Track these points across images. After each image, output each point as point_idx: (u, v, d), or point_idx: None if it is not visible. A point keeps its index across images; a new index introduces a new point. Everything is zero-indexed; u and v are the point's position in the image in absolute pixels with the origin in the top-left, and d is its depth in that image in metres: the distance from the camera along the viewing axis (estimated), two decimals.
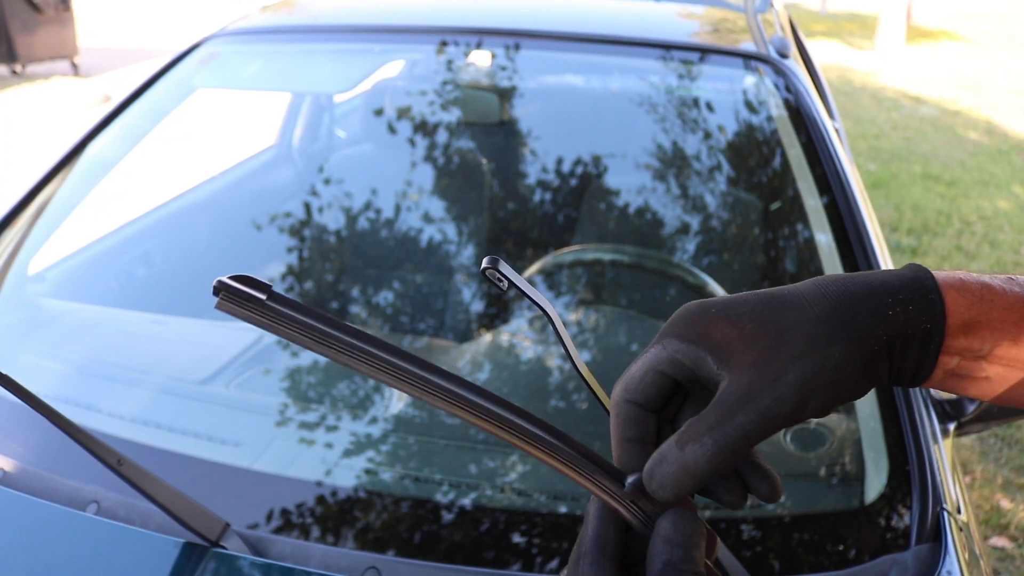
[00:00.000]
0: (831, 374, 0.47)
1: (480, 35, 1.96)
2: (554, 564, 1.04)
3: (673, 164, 2.14)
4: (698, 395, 0.52)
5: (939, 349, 0.49)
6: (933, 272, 0.50)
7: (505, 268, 0.56)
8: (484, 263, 0.55)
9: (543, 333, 1.55)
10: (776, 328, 0.47)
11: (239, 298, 0.45)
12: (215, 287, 0.45)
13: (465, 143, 2.25)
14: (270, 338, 1.61)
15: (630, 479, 0.50)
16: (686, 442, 0.47)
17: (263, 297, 0.46)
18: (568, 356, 0.59)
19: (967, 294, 0.49)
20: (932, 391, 1.30)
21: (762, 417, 0.46)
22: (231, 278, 0.45)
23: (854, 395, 0.49)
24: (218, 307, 0.46)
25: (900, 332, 0.48)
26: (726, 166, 2.13)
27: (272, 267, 2.04)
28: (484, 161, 2.21)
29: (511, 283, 0.56)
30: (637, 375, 0.51)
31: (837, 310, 0.48)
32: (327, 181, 2.42)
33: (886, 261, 1.43)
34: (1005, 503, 2.87)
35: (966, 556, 1.04)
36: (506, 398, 0.49)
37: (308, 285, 2.04)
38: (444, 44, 1.99)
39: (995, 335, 0.49)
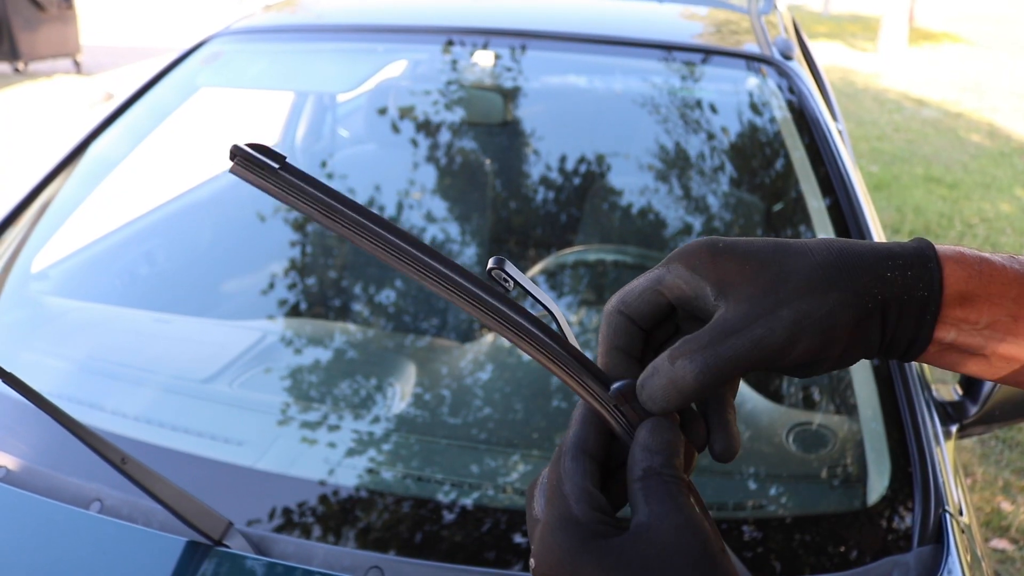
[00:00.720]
0: (824, 318, 0.48)
1: (483, 35, 1.97)
2: None
3: (676, 165, 2.14)
4: (689, 326, 0.53)
5: (935, 319, 0.49)
6: (935, 245, 0.51)
7: (511, 268, 0.56)
8: (490, 264, 0.55)
9: None
10: (778, 269, 0.49)
11: (253, 164, 0.46)
12: (231, 152, 0.46)
13: (468, 143, 2.25)
14: (273, 337, 1.61)
15: (616, 385, 0.51)
16: (677, 357, 0.48)
17: (276, 166, 0.46)
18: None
19: (966, 266, 0.49)
20: (935, 394, 1.31)
21: (753, 344, 0.47)
22: (247, 145, 0.46)
23: (843, 354, 0.50)
24: (232, 171, 0.46)
25: (896, 295, 0.49)
26: (729, 167, 2.13)
27: (275, 265, 2.05)
28: (487, 161, 2.21)
29: (517, 284, 0.56)
30: (636, 290, 0.52)
31: (838, 262, 0.49)
32: (330, 179, 2.42)
33: None
34: (1006, 505, 2.87)
35: (968, 558, 1.04)
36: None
37: (311, 282, 2.04)
38: (447, 44, 1.99)
39: (993, 309, 0.49)
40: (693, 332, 0.50)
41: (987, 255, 0.50)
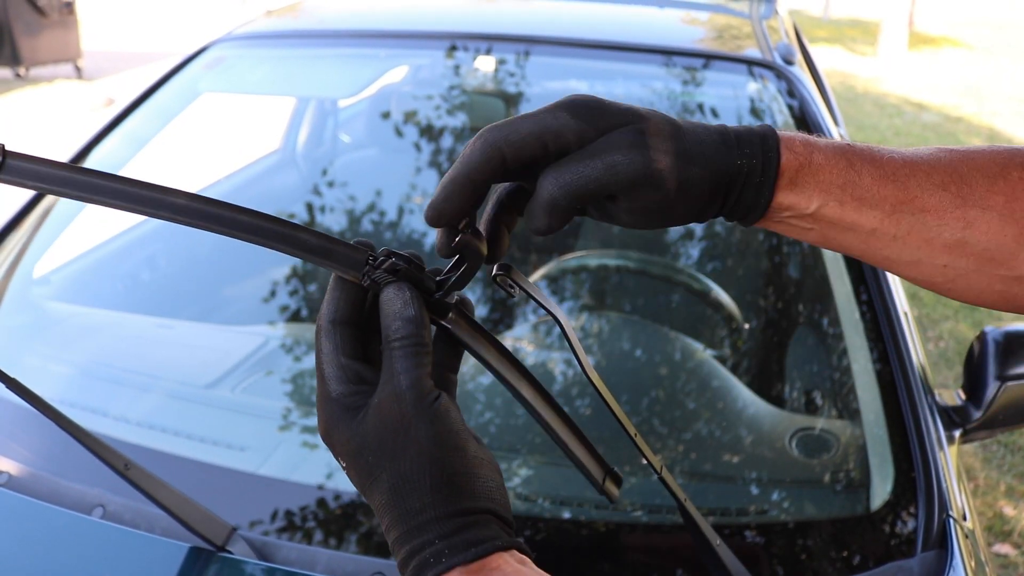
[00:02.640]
0: (678, 181, 0.53)
1: (485, 41, 1.97)
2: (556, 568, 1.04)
3: None
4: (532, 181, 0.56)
5: (769, 201, 0.56)
6: (780, 133, 0.57)
7: (516, 275, 0.56)
8: (495, 269, 0.55)
9: (548, 338, 1.55)
10: (651, 128, 0.54)
11: None
12: None
13: None
14: (275, 342, 1.61)
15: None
16: (584, 158, 0.52)
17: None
18: (578, 362, 0.59)
19: (798, 155, 0.56)
20: (938, 398, 1.30)
21: (607, 167, 0.52)
22: None
23: (679, 216, 0.56)
24: None
25: (738, 182, 0.55)
26: None
27: (277, 270, 2.05)
28: None
29: (522, 288, 0.56)
30: (522, 130, 0.53)
31: (703, 146, 0.54)
32: (331, 184, 2.43)
33: None
34: (1008, 510, 2.86)
35: (972, 563, 1.04)
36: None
37: (312, 287, 2.04)
38: (448, 49, 2.00)
39: (821, 195, 0.56)
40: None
41: (819, 144, 0.57)
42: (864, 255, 0.59)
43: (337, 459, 0.52)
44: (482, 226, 0.57)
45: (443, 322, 0.56)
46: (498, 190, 0.58)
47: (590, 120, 0.53)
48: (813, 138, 0.57)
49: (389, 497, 0.49)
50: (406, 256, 0.54)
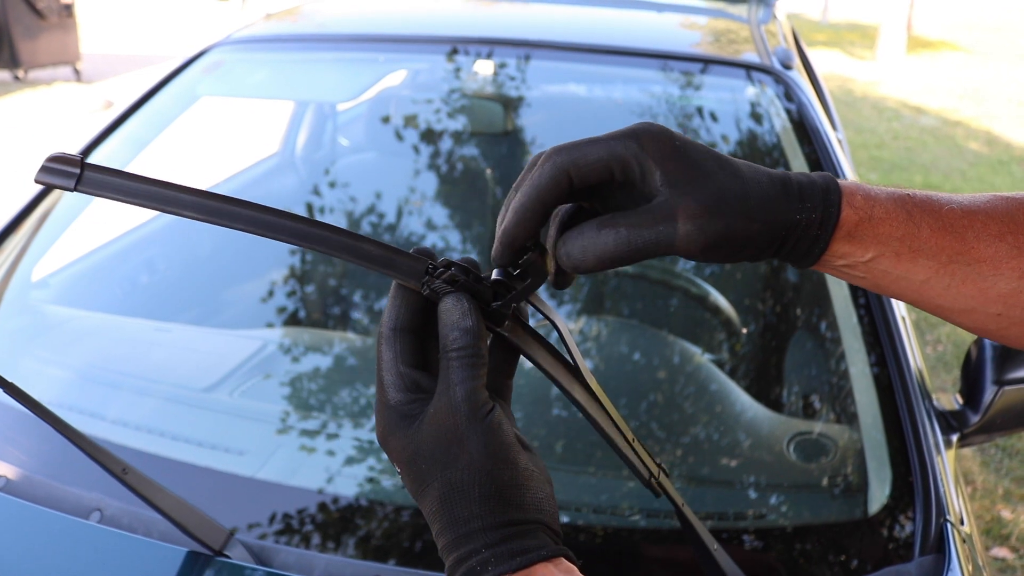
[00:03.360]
0: (739, 240, 0.54)
1: (483, 45, 1.97)
2: None
3: None
4: (616, 200, 0.56)
5: (824, 250, 0.56)
6: (841, 184, 0.57)
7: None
8: (495, 275, 0.55)
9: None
10: (719, 186, 0.54)
11: (55, 176, 0.49)
12: (38, 172, 0.49)
13: (468, 152, 2.25)
14: (273, 346, 1.61)
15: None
16: (606, 226, 0.53)
17: (76, 171, 0.49)
18: (576, 366, 0.60)
19: (858, 209, 0.56)
20: (936, 403, 1.31)
21: (679, 236, 0.53)
22: (49, 158, 0.49)
23: (738, 258, 0.56)
24: (36, 180, 0.50)
25: (796, 233, 0.56)
26: None
27: (275, 274, 2.05)
28: (488, 170, 2.22)
29: (519, 292, 0.56)
30: (590, 156, 0.54)
31: (765, 200, 0.55)
32: (332, 186, 2.43)
33: None
34: (1006, 514, 2.86)
35: (970, 568, 1.04)
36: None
37: (310, 291, 2.04)
38: (447, 54, 2.00)
39: (878, 246, 0.56)
40: (616, 204, 0.56)
41: (881, 198, 0.56)
42: (916, 302, 0.60)
43: (393, 464, 0.54)
44: (548, 245, 0.57)
45: (500, 330, 0.57)
46: (560, 212, 0.58)
47: (658, 158, 0.54)
48: (874, 189, 0.57)
49: (439, 505, 0.51)
50: (464, 266, 0.55)
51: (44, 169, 0.49)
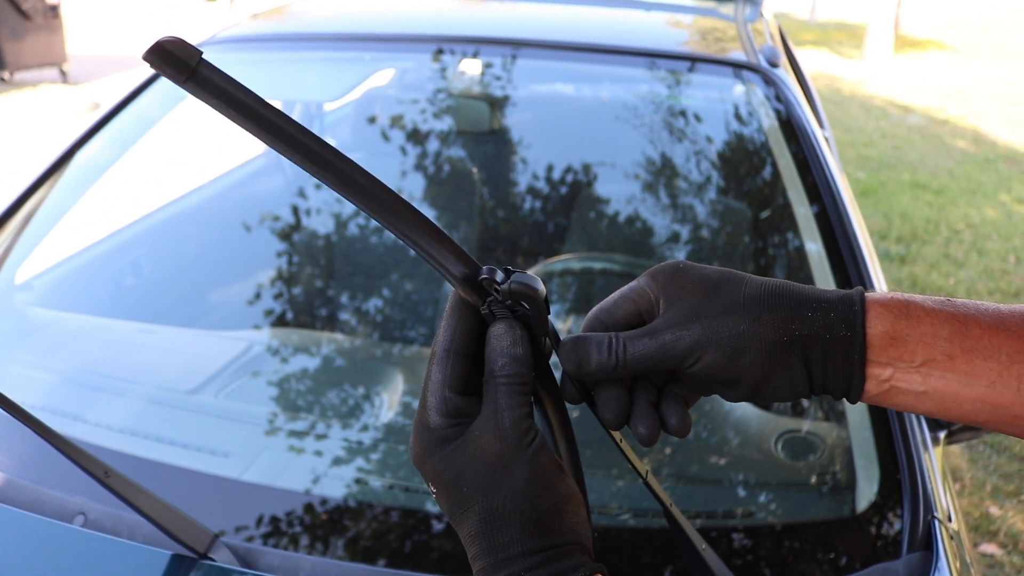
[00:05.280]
0: (730, 339, 0.54)
1: (470, 44, 1.96)
2: None
3: (663, 173, 2.14)
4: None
5: (863, 358, 0.53)
6: (869, 293, 0.55)
7: (501, 278, 0.55)
8: (483, 273, 0.55)
9: None
10: (712, 292, 0.55)
11: (167, 63, 0.44)
12: (149, 50, 0.44)
13: (455, 151, 2.25)
14: (259, 347, 1.60)
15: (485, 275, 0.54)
16: (610, 337, 0.56)
17: (192, 64, 0.45)
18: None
19: (892, 308, 0.53)
20: None
21: (660, 347, 0.55)
22: (166, 41, 0.44)
23: (766, 384, 0.55)
24: (145, 57, 0.45)
25: (817, 335, 0.53)
26: (716, 175, 2.13)
27: (261, 275, 2.04)
28: (474, 169, 2.21)
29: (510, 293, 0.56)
30: (612, 299, 0.59)
31: (763, 296, 0.55)
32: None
33: (875, 269, 1.44)
34: (994, 510, 2.87)
35: (957, 565, 1.04)
36: None
37: (297, 292, 2.03)
38: (435, 53, 1.99)
39: (926, 348, 0.53)
40: None
41: (917, 299, 0.54)
42: (992, 418, 0.54)
43: (428, 484, 0.54)
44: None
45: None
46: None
47: (664, 286, 0.57)
48: (908, 294, 0.55)
49: (479, 529, 0.51)
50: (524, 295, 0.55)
51: (157, 51, 0.44)
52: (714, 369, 0.54)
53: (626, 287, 0.59)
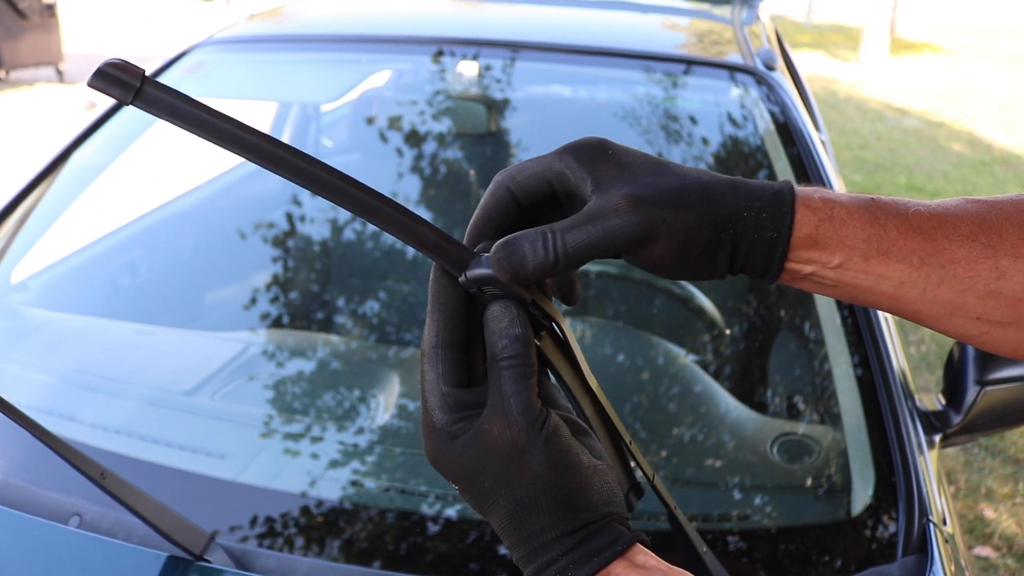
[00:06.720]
0: (680, 231, 0.53)
1: (468, 46, 1.97)
2: None
3: None
4: (570, 210, 0.57)
5: (784, 256, 0.55)
6: (797, 189, 0.56)
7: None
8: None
9: None
10: (650, 180, 0.54)
11: (111, 84, 0.46)
12: (92, 77, 0.46)
13: (452, 153, 2.25)
14: (256, 349, 1.60)
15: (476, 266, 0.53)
16: (544, 232, 0.52)
17: (137, 84, 0.46)
18: (579, 365, 0.59)
19: (817, 211, 0.55)
20: (918, 403, 1.31)
21: (607, 232, 0.52)
22: (108, 64, 0.46)
23: (692, 267, 0.55)
24: (90, 84, 0.46)
25: (746, 233, 0.54)
26: None
27: (258, 276, 2.03)
28: (471, 171, 2.21)
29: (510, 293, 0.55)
30: (526, 172, 0.56)
31: (704, 193, 0.54)
32: None
33: None
34: (989, 513, 2.88)
35: (952, 568, 1.04)
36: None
37: (293, 294, 2.03)
38: (431, 54, 1.99)
39: (844, 250, 0.55)
40: (566, 214, 0.55)
41: (843, 199, 0.55)
42: (894, 310, 0.58)
43: (449, 482, 0.53)
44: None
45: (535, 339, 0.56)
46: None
47: (590, 166, 0.54)
48: (834, 193, 0.56)
49: (508, 521, 0.51)
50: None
51: (101, 75, 0.45)
52: (664, 256, 0.54)
53: (542, 162, 0.56)
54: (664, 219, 0.53)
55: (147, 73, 0.47)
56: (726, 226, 0.54)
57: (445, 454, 0.52)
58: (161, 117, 0.47)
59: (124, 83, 0.46)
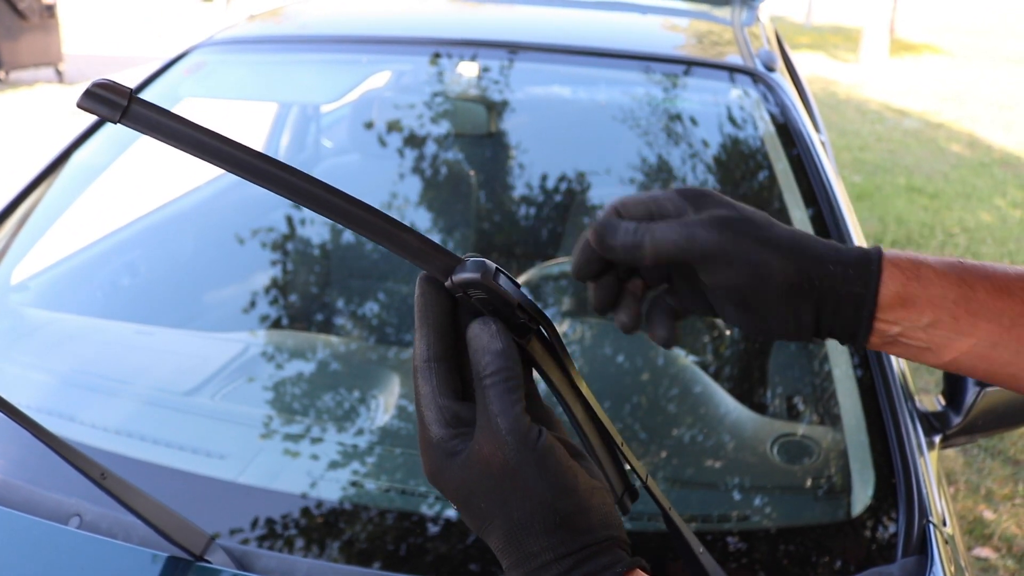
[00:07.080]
0: (757, 264, 0.55)
1: (468, 47, 1.97)
2: None
3: (659, 176, 2.14)
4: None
5: (872, 315, 0.56)
6: (886, 252, 0.57)
7: (503, 280, 0.55)
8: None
9: None
10: (742, 218, 0.58)
11: (99, 104, 0.47)
12: (80, 98, 0.47)
13: (452, 154, 2.25)
14: (256, 349, 1.60)
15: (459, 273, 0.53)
16: (638, 223, 0.59)
17: (123, 103, 0.47)
18: (566, 367, 0.59)
19: (905, 270, 0.56)
20: (918, 404, 1.31)
21: (689, 237, 0.56)
22: (96, 84, 0.47)
23: (775, 321, 0.57)
24: (79, 104, 0.47)
25: (832, 288, 0.56)
26: (712, 179, 2.14)
27: (258, 277, 2.03)
28: (471, 172, 2.21)
29: (506, 293, 0.55)
30: (633, 200, 0.63)
31: (791, 240, 0.57)
32: None
33: None
34: (988, 514, 2.88)
35: (952, 569, 1.04)
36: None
37: (293, 295, 2.03)
38: (432, 56, 1.99)
39: (934, 310, 0.55)
40: None
41: (930, 261, 0.56)
42: (988, 374, 0.57)
43: (449, 501, 0.53)
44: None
45: (521, 342, 0.55)
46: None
47: (692, 200, 0.60)
48: (922, 255, 0.57)
49: (505, 543, 0.50)
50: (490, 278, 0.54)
51: (89, 95, 0.47)
52: (729, 283, 0.56)
53: (648, 196, 0.61)
54: (744, 247, 0.55)
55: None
56: (810, 275, 0.55)
57: (443, 472, 0.51)
58: (148, 134, 0.48)
59: (111, 102, 0.47)
